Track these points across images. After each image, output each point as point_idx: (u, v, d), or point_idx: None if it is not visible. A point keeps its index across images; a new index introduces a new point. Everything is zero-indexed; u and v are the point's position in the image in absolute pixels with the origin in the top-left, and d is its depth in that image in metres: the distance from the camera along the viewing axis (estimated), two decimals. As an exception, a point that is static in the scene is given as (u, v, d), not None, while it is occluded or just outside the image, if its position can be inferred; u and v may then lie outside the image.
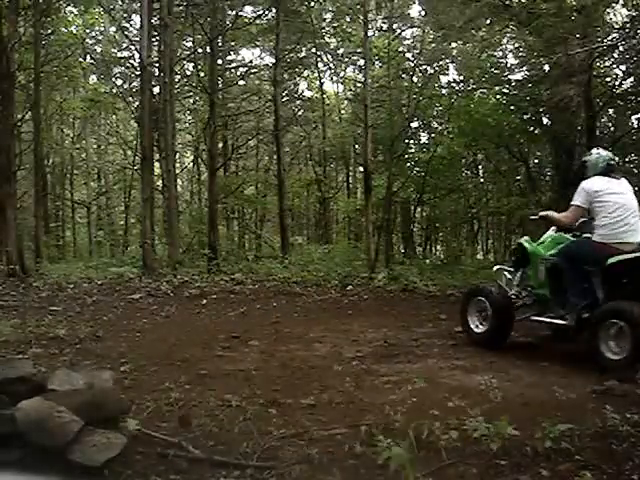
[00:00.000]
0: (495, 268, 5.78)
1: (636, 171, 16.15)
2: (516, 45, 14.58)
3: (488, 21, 11.90)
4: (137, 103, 16.34)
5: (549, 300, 4.83)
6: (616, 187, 4.49)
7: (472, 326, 5.12)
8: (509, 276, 5.36)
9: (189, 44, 17.36)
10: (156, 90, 14.36)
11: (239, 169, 22.27)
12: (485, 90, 14.28)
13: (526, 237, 5.31)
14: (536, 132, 13.89)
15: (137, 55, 14.15)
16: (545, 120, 13.50)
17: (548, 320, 4.74)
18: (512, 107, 13.23)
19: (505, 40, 14.85)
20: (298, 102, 21.14)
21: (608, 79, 12.28)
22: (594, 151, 4.83)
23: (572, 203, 4.59)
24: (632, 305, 4.02)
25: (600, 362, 4.07)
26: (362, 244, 14.62)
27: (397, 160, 13.95)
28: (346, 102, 21.90)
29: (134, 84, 18.14)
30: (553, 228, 5.06)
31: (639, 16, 9.68)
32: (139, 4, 13.05)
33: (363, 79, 13.41)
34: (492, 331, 4.93)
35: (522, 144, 14.58)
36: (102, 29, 19.56)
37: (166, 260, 12.01)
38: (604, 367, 3.98)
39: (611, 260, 4.26)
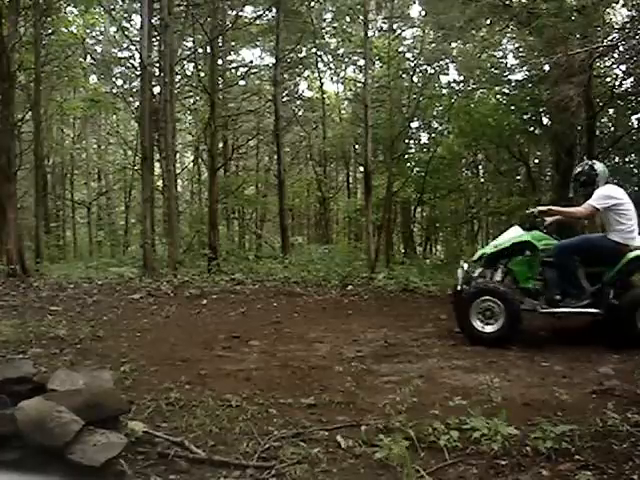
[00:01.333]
0: (466, 266, 5.70)
1: (636, 171, 16.15)
2: (516, 45, 14.58)
3: (488, 21, 11.89)
4: (137, 103, 16.36)
5: (532, 293, 5.24)
6: (626, 196, 5.20)
7: (477, 326, 5.11)
8: (475, 274, 5.54)
9: (189, 44, 17.37)
10: (156, 90, 14.36)
11: (239, 169, 22.29)
12: (485, 90, 14.29)
13: (532, 233, 5.41)
14: (536, 132, 13.89)
15: (137, 55, 14.18)
16: (545, 120, 13.51)
17: (578, 310, 5.10)
18: (512, 107, 13.24)
19: (505, 40, 14.83)
20: (298, 102, 21.17)
21: (608, 79, 12.28)
22: (595, 162, 5.43)
23: (591, 203, 5.08)
24: None
25: (637, 337, 4.81)
26: (362, 244, 14.63)
27: (397, 160, 13.95)
28: (346, 102, 21.91)
29: (134, 84, 18.17)
30: (517, 227, 5.54)
31: (639, 16, 9.67)
32: (139, 4, 13.07)
33: (363, 79, 13.41)
34: (507, 329, 5.04)
35: (522, 144, 14.58)
36: (102, 29, 19.61)
37: (166, 260, 12.00)
38: None
39: (635, 254, 5.07)
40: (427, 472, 2.38)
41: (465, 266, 5.67)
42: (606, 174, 5.32)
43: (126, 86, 19.42)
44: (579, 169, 5.44)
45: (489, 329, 5.08)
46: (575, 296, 5.07)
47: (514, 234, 5.42)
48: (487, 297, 5.11)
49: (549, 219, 5.46)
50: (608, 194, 5.11)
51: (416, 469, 2.37)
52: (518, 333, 5.10)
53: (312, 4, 17.19)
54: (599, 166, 5.35)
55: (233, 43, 17.78)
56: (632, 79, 11.62)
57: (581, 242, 5.28)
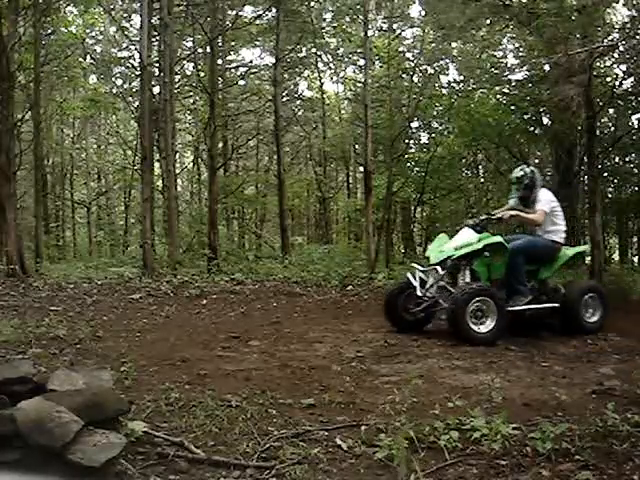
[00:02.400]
0: (439, 269, 5.53)
1: (636, 171, 16.14)
2: (516, 45, 14.59)
3: (488, 21, 11.88)
4: (137, 103, 16.33)
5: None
6: None
7: (474, 328, 5.13)
8: (437, 277, 5.49)
9: (189, 44, 17.36)
10: (156, 90, 14.35)
11: (239, 169, 22.29)
12: (485, 90, 14.27)
13: (483, 234, 5.61)
14: (536, 132, 13.89)
15: (137, 55, 14.15)
16: (545, 120, 13.52)
17: (540, 306, 5.56)
18: (512, 107, 13.24)
19: (505, 40, 14.85)
20: (298, 102, 21.15)
21: (608, 79, 12.27)
22: (528, 168, 5.91)
23: (543, 208, 5.55)
24: (598, 283, 6.74)
25: (581, 326, 5.54)
26: (362, 244, 14.63)
27: (397, 160, 13.94)
28: (346, 102, 21.91)
29: (134, 84, 18.13)
30: (468, 229, 5.73)
31: (639, 16, 9.67)
32: (139, 4, 13.05)
33: (363, 79, 13.40)
34: (500, 327, 5.18)
35: (522, 144, 14.58)
36: (102, 29, 19.57)
37: (166, 260, 11.99)
38: (584, 329, 5.49)
39: (578, 250, 6.15)
40: (427, 472, 2.38)
41: (419, 270, 5.62)
42: (541, 179, 5.91)
43: (126, 86, 19.38)
44: (522, 173, 5.81)
45: (483, 329, 5.15)
46: (522, 294, 5.46)
47: (470, 236, 5.56)
48: (481, 298, 5.15)
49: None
50: (551, 198, 5.67)
51: (416, 469, 2.36)
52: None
53: (312, 4, 17.17)
54: (536, 171, 5.89)
55: (233, 43, 17.76)
56: (632, 79, 11.63)
57: (527, 243, 5.64)
